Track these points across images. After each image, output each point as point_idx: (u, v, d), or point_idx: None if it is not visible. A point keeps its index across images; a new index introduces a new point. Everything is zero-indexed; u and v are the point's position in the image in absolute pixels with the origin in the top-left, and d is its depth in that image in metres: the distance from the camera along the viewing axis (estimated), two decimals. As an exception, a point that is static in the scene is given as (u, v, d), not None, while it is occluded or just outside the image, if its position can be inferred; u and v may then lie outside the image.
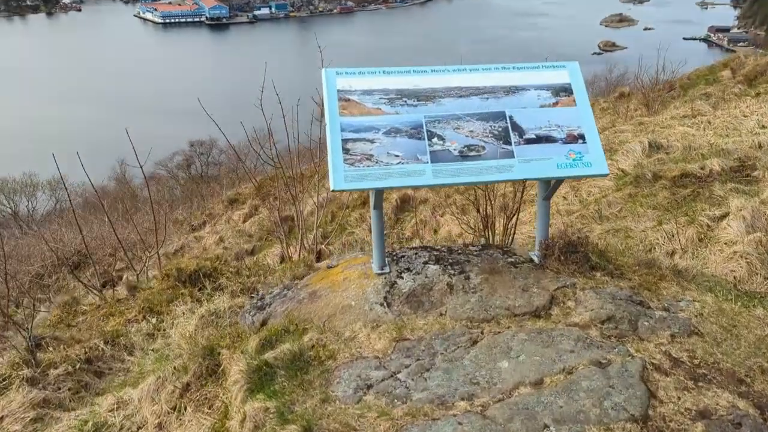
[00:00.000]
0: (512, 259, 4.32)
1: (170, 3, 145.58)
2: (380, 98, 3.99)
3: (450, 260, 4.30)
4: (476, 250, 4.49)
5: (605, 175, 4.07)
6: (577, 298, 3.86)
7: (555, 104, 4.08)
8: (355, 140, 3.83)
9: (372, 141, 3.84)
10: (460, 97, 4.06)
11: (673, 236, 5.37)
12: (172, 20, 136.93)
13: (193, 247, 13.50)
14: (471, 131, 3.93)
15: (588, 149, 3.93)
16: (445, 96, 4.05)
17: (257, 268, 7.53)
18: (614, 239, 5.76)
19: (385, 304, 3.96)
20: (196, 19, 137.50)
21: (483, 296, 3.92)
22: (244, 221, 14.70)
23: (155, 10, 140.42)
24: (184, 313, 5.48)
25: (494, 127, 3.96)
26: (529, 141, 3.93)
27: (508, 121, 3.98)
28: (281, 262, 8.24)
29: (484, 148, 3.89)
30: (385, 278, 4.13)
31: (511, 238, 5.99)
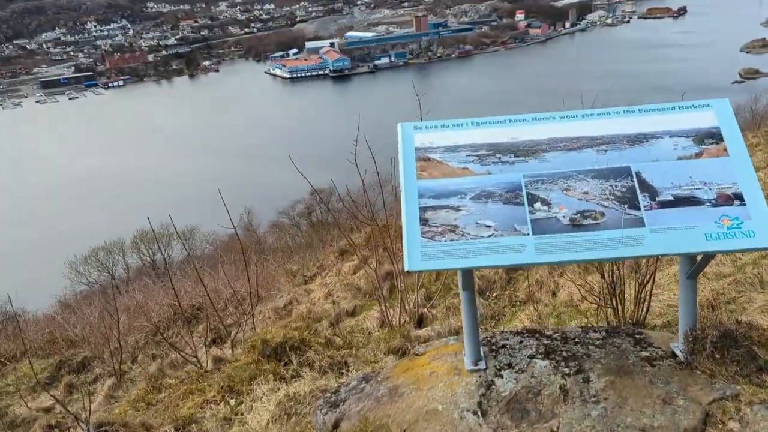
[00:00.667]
0: (647, 353, 3.34)
1: (297, 59, 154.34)
2: (468, 155, 3.25)
3: (564, 353, 3.40)
4: (599, 338, 3.55)
5: (776, 249, 3.04)
6: (742, 417, 2.82)
7: (699, 155, 3.13)
8: (435, 208, 3.11)
9: (457, 208, 3.10)
10: (570, 150, 3.22)
11: None
12: (299, 74, 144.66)
13: (302, 301, 13.22)
14: (585, 193, 3.08)
15: (749, 213, 2.93)
16: (550, 150, 3.23)
17: (351, 336, 6.92)
18: (782, 315, 4.53)
19: (479, 413, 3.13)
20: (321, 73, 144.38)
21: (608, 408, 2.98)
22: (354, 273, 14.29)
23: (284, 66, 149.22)
24: (264, 395, 4.93)
25: (616, 187, 3.08)
26: (664, 204, 3.00)
27: (635, 178, 3.09)
28: (381, 326, 7.57)
29: (603, 214, 3.01)
30: (480, 376, 3.31)
31: (645, 310, 4.93)
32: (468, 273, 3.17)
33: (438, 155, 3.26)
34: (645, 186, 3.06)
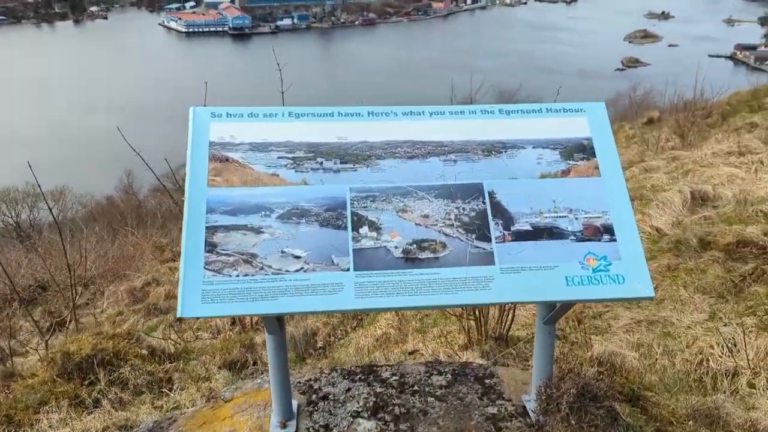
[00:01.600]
0: (495, 409, 2.75)
1: (194, 13, 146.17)
2: (280, 158, 2.46)
3: (397, 407, 2.74)
4: (443, 385, 2.92)
5: (648, 299, 2.50)
6: (595, 504, 2.28)
7: (566, 173, 2.52)
8: (228, 229, 2.31)
9: (258, 230, 2.32)
10: (412, 158, 2.51)
11: (735, 345, 3.76)
12: (196, 29, 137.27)
13: (163, 282, 12.05)
14: (425, 216, 2.39)
15: (619, 252, 2.36)
16: (386, 156, 2.51)
17: (193, 339, 6.04)
18: (648, 336, 4.15)
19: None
20: (220, 29, 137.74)
21: (438, 491, 2.35)
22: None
23: (179, 19, 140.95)
24: (51, 429, 3.98)
25: (464, 210, 2.41)
26: (520, 235, 2.37)
27: (488, 199, 2.43)
28: (232, 325, 6.70)
29: (444, 245, 2.34)
30: (289, 440, 2.59)
31: (509, 321, 4.41)
32: (272, 317, 2.41)
33: (240, 155, 2.45)
34: (498, 210, 2.42)
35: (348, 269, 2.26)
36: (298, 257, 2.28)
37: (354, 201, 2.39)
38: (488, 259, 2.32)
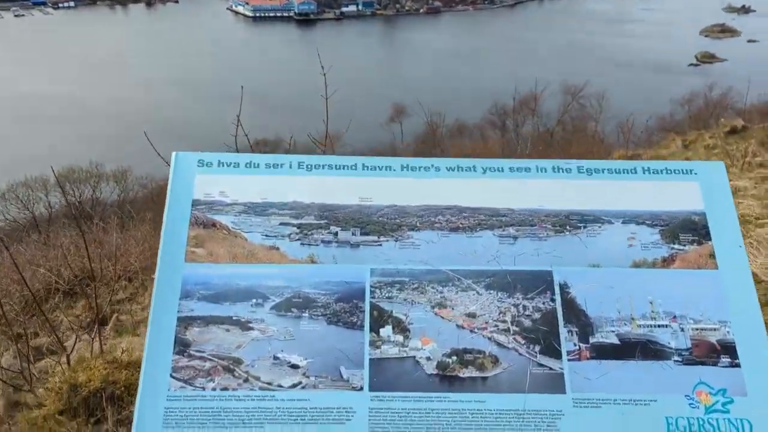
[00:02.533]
0: None
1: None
2: (282, 224, 1.88)
3: None
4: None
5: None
6: None
7: (668, 261, 1.83)
8: (207, 321, 1.74)
9: (246, 325, 1.74)
10: (455, 230, 1.88)
11: None
12: (262, 14, 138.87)
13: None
14: (470, 316, 1.76)
15: (745, 384, 1.67)
16: (422, 226, 1.88)
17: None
18: None
19: None
20: (285, 14, 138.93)
21: None
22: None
23: (246, 3, 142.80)
24: (44, 479, 3.57)
25: (525, 309, 1.77)
26: (601, 351, 1.71)
27: (558, 296, 1.78)
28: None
29: (496, 360, 1.71)
30: None
31: None
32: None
33: (231, 219, 1.87)
34: (573, 311, 1.76)
35: (361, 388, 1.66)
36: (295, 367, 1.69)
37: (375, 288, 1.78)
38: (557, 383, 1.67)
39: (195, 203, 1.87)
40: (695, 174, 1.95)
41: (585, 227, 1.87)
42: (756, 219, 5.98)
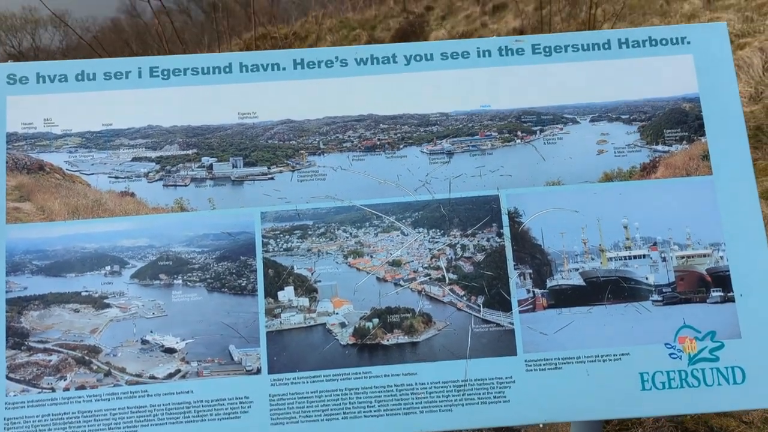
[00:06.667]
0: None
1: None
2: (136, 158, 1.39)
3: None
4: None
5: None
6: None
7: (649, 169, 1.41)
8: (49, 302, 1.32)
9: (101, 301, 1.33)
10: (371, 149, 1.41)
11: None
12: None
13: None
14: (394, 264, 1.36)
15: (739, 322, 1.34)
16: (327, 147, 1.41)
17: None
18: None
19: None
20: None
21: None
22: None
23: None
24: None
25: (465, 250, 1.37)
26: (563, 297, 1.35)
27: (507, 228, 1.37)
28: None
29: (429, 319, 1.33)
30: None
31: None
32: None
33: (65, 157, 1.37)
34: (525, 249, 1.36)
35: (258, 371, 1.30)
36: (171, 351, 1.31)
37: (269, 239, 1.35)
38: (505, 343, 1.32)
39: (10, 138, 1.36)
40: (688, 43, 1.45)
41: (542, 131, 1.41)
42: (737, 38, 5.45)
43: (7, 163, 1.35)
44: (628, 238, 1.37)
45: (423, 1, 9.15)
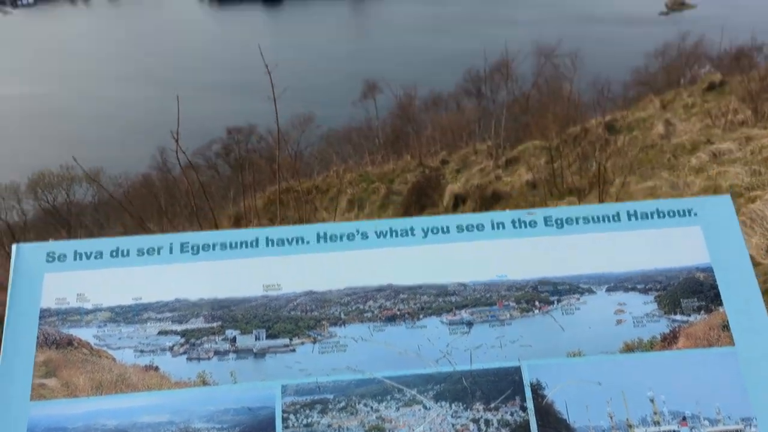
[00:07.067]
0: None
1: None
2: (161, 332, 1.42)
3: None
4: None
5: None
6: None
7: (669, 339, 1.41)
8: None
9: (117, 483, 1.29)
10: (392, 319, 1.44)
11: None
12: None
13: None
14: (416, 440, 1.33)
15: None
16: (348, 318, 1.44)
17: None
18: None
19: None
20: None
21: None
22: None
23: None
24: None
25: (486, 425, 1.34)
26: (590, 479, 1.29)
27: (530, 401, 1.35)
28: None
29: (452, 501, 1.28)
30: None
31: None
32: None
33: (93, 332, 1.41)
34: (550, 423, 1.33)
35: None
36: None
37: (289, 413, 1.33)
38: None
39: (44, 314, 1.41)
40: (695, 215, 1.51)
41: (559, 301, 1.44)
42: (747, 191, 5.60)
43: (38, 338, 1.39)
44: (656, 413, 1.33)
45: (438, 155, 9.63)
